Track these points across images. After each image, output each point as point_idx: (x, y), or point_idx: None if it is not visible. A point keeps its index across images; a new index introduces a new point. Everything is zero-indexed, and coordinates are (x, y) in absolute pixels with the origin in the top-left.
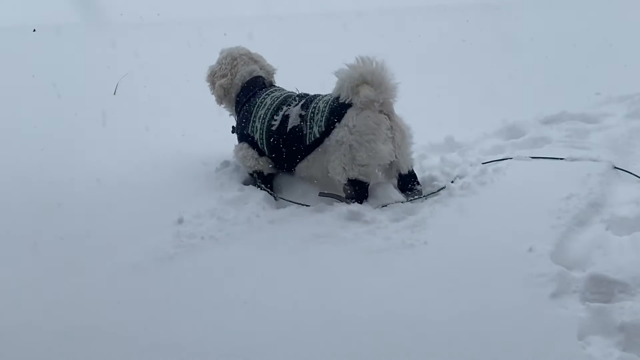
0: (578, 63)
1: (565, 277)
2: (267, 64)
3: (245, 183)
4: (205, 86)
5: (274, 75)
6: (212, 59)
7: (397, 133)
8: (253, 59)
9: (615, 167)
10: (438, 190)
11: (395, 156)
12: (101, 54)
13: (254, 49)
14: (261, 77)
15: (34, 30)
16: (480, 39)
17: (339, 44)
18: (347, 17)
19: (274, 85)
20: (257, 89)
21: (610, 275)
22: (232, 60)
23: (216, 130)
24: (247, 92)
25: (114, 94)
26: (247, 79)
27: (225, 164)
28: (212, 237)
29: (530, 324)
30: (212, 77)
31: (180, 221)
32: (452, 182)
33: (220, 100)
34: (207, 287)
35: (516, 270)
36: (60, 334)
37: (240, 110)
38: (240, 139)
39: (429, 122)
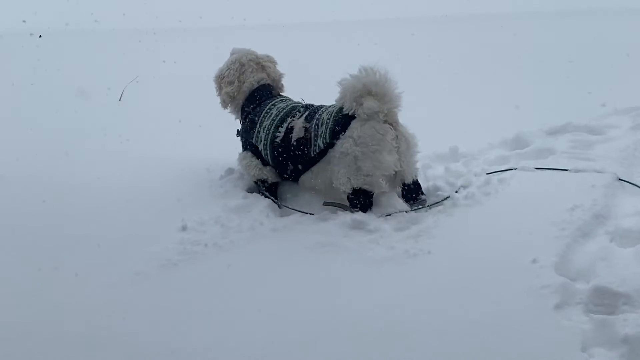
0: (584, 74)
1: (569, 289)
2: (274, 71)
3: (250, 191)
4: (211, 93)
5: (282, 81)
6: (216, 66)
7: (402, 143)
8: (261, 64)
9: (620, 179)
10: (442, 200)
11: (400, 166)
12: (109, 60)
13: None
14: (269, 85)
15: (40, 37)
16: (486, 49)
17: (343, 53)
18: (352, 26)
19: (281, 95)
20: (263, 97)
21: (614, 287)
22: (240, 66)
23: (221, 139)
24: (253, 100)
25: (119, 100)
26: (255, 86)
27: (230, 171)
28: (216, 245)
29: (534, 335)
30: (220, 81)
31: (184, 228)
32: (457, 192)
33: (225, 105)
34: (211, 295)
35: (520, 281)
36: (62, 340)
37: (246, 118)
38: (244, 148)
39: (434, 131)
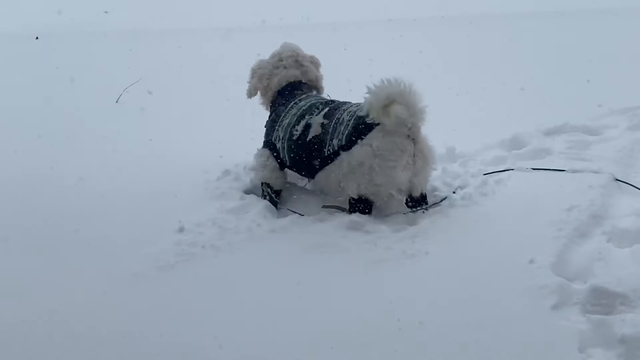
0: (580, 75)
1: (566, 289)
2: (312, 70)
3: (247, 192)
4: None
5: (320, 82)
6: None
7: (419, 160)
8: (299, 62)
9: (617, 179)
10: (440, 201)
11: (412, 181)
12: (105, 62)
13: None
14: (300, 82)
15: (37, 38)
16: (483, 50)
17: (340, 55)
18: (350, 28)
19: (305, 92)
20: (291, 95)
21: (611, 287)
22: (277, 61)
23: (219, 140)
24: (282, 97)
25: (117, 102)
26: (284, 84)
27: (227, 172)
28: (213, 246)
29: (531, 335)
30: (254, 71)
31: (181, 230)
32: (454, 192)
33: (249, 95)
34: (208, 296)
35: (517, 281)
36: (60, 341)
37: (271, 114)
38: (264, 145)
39: (431, 132)
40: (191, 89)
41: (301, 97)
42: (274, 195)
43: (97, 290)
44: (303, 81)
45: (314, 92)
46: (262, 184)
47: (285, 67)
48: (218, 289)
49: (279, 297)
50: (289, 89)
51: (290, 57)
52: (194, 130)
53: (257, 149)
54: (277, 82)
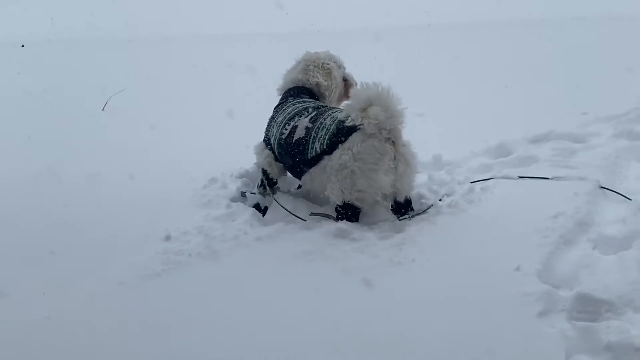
0: (566, 83)
1: (552, 296)
2: (315, 76)
3: (233, 200)
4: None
5: (321, 89)
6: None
7: (401, 164)
8: (305, 69)
9: (602, 187)
10: (426, 209)
11: (395, 186)
12: (94, 70)
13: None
14: (303, 87)
15: (22, 46)
16: (470, 57)
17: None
18: (343, 36)
19: (303, 96)
20: (295, 96)
21: (597, 294)
22: (296, 64)
23: (205, 148)
24: (283, 98)
25: (103, 109)
26: (287, 87)
27: (213, 180)
28: (200, 254)
29: (517, 342)
30: None
31: (167, 238)
32: (440, 200)
33: None
34: (194, 305)
35: (503, 289)
36: (46, 351)
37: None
38: (263, 140)
39: (417, 139)
40: (178, 96)
41: (300, 99)
42: (266, 182)
43: (83, 299)
44: (305, 86)
45: (328, 99)
46: (261, 169)
47: (296, 72)
48: (204, 297)
49: (266, 304)
50: (290, 92)
51: (304, 62)
52: (181, 138)
53: (258, 143)
54: (286, 83)
